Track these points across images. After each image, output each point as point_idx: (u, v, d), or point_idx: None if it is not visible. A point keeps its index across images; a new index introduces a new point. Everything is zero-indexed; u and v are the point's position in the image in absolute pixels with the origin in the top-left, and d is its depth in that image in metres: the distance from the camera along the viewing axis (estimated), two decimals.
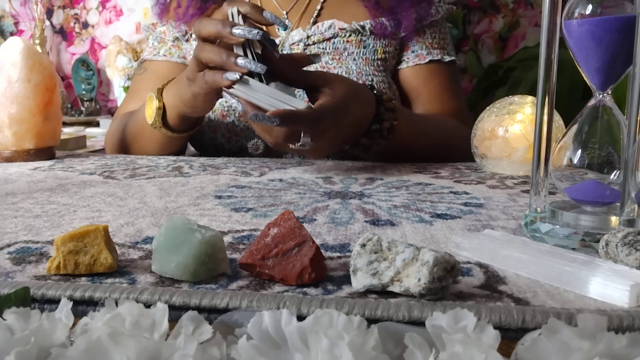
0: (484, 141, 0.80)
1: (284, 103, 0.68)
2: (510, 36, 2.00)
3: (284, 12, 1.05)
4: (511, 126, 0.78)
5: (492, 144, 0.79)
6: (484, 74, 1.87)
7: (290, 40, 1.01)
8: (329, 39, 1.00)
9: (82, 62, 2.27)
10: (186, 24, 1.06)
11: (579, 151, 0.46)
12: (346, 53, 1.00)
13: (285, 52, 1.00)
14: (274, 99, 0.68)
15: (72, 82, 2.29)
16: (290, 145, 0.72)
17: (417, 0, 1.03)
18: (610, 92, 0.46)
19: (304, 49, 1.00)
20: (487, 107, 0.83)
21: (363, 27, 1.00)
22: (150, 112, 0.87)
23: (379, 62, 1.01)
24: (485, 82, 1.82)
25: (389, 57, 1.03)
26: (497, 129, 0.79)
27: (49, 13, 2.33)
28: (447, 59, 1.04)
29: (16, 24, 2.37)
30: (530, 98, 0.81)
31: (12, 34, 2.35)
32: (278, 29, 1.03)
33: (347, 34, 1.00)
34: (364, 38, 1.01)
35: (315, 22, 1.03)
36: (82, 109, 2.20)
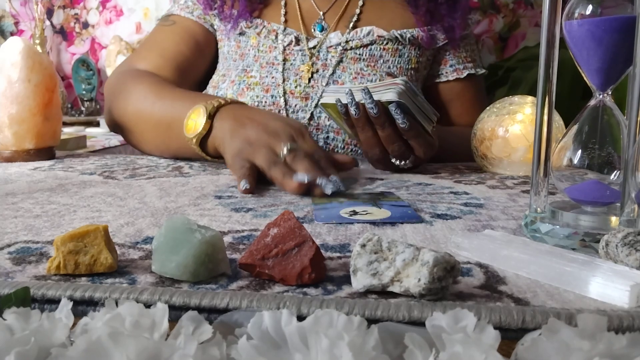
0: (484, 141, 0.80)
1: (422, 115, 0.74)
2: (510, 36, 2.00)
3: (321, 13, 1.04)
4: (511, 126, 0.78)
5: (492, 144, 0.79)
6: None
7: (328, 42, 1.00)
8: (366, 46, 1.00)
9: (82, 62, 2.27)
10: (231, 23, 1.03)
11: (579, 151, 0.46)
12: (382, 60, 1.00)
13: (321, 54, 1.00)
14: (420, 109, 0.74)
15: (72, 82, 2.29)
16: (393, 160, 0.76)
17: (464, 11, 1.05)
18: (610, 92, 0.46)
19: (342, 53, 0.99)
20: (487, 107, 0.84)
21: (402, 36, 1.01)
22: (191, 125, 0.78)
23: (412, 72, 1.03)
24: (486, 82, 1.82)
25: (420, 67, 1.04)
26: (497, 129, 0.79)
27: (49, 13, 2.33)
28: (480, 72, 1.08)
29: (16, 24, 2.37)
30: (530, 98, 0.81)
31: (12, 34, 2.34)
32: (314, 29, 1.02)
33: (385, 42, 1.00)
34: (400, 47, 1.01)
35: (354, 27, 1.02)
36: (82, 109, 2.20)
